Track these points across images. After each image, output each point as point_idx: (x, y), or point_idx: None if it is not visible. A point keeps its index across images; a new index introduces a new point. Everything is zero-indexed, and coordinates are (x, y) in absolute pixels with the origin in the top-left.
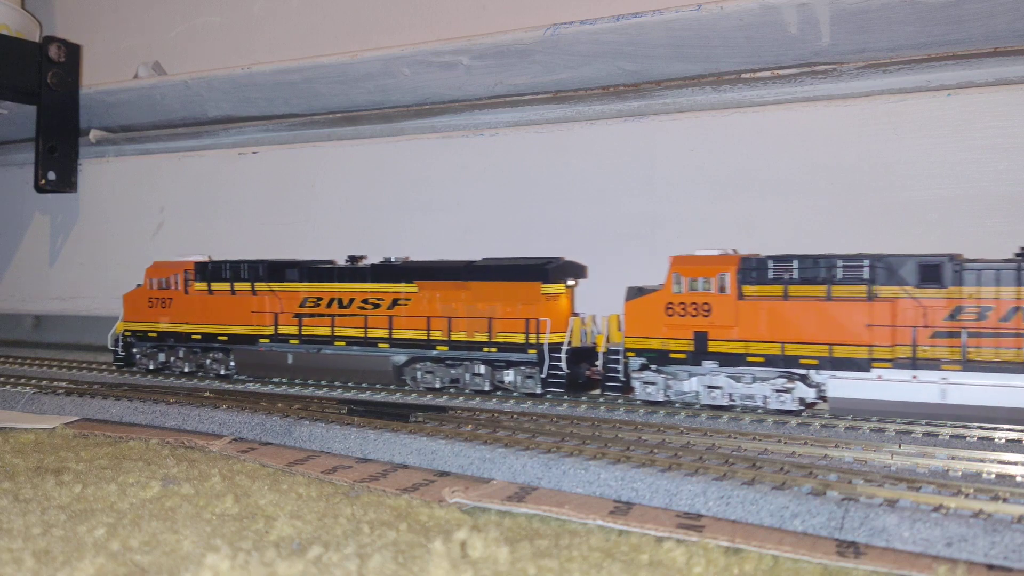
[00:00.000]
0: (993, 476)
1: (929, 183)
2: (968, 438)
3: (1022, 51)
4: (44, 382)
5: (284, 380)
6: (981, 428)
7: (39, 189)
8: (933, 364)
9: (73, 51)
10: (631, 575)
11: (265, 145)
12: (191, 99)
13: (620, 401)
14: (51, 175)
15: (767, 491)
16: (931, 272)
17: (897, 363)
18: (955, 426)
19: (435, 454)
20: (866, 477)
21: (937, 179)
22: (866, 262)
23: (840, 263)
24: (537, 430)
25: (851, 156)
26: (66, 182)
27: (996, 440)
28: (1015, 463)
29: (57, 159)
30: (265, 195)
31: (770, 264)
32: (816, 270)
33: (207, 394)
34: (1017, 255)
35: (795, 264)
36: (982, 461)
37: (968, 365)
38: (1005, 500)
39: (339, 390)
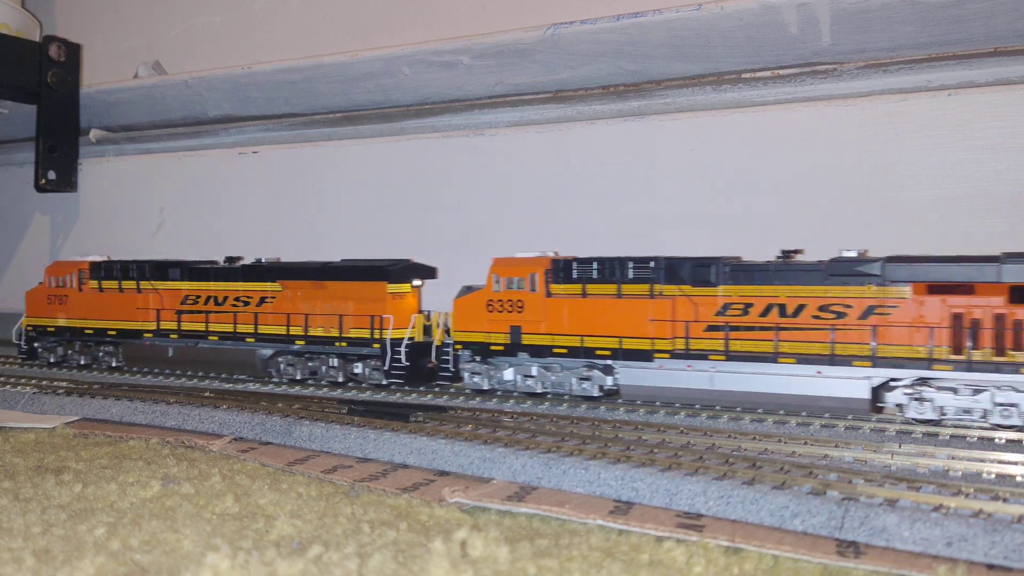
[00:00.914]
0: (993, 476)
1: (929, 183)
2: (968, 438)
3: (1022, 51)
4: (44, 382)
5: (283, 379)
6: (981, 428)
7: (39, 189)
8: (703, 355)
9: (73, 50)
10: (631, 575)
11: (265, 145)
12: (191, 99)
13: (619, 401)
14: (51, 175)
15: (767, 491)
16: (703, 273)
17: (674, 354)
18: (955, 426)
19: (435, 454)
20: (866, 477)
21: (937, 179)
22: (651, 263)
23: (631, 264)
24: (537, 430)
25: (851, 156)
26: (66, 182)
27: (996, 440)
28: (1015, 463)
29: (57, 158)
30: (265, 195)
31: (574, 265)
32: (612, 270)
33: (207, 394)
34: (778, 257)
35: (594, 265)
36: (982, 461)
37: (731, 355)
38: (1005, 500)
39: (338, 390)
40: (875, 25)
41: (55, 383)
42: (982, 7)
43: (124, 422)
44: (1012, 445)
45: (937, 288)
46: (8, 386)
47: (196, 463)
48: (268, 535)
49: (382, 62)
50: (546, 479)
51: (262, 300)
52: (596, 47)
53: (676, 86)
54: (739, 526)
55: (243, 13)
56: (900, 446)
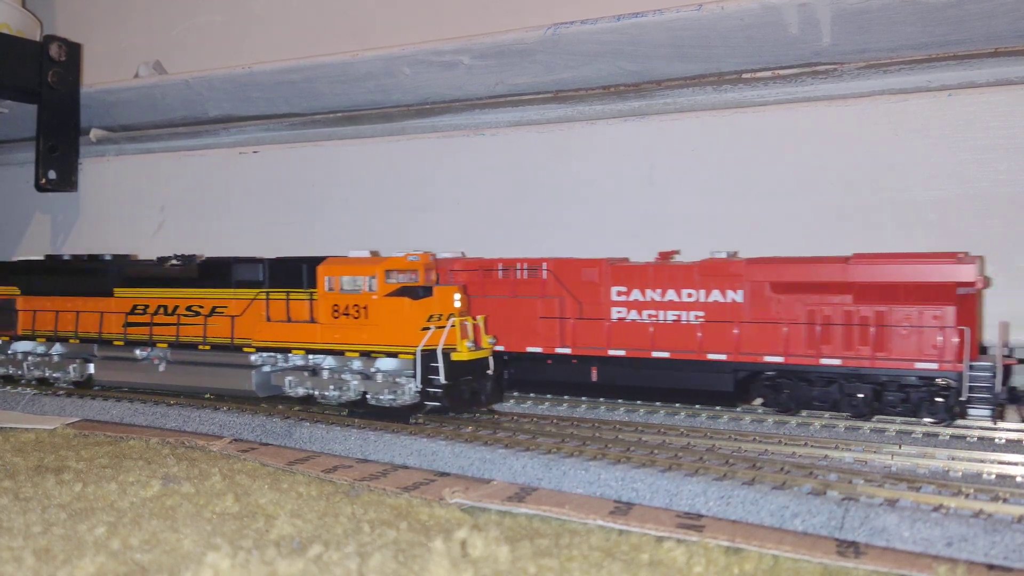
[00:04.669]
0: (993, 476)
1: (929, 183)
2: (968, 438)
3: (1023, 51)
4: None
5: None
6: (981, 429)
7: (40, 188)
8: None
9: (74, 50)
10: (631, 574)
11: (266, 144)
12: (192, 98)
13: (620, 401)
14: (52, 174)
15: (767, 491)
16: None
17: None
18: (955, 426)
19: (435, 455)
20: (866, 477)
21: (937, 179)
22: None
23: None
24: (538, 431)
25: (851, 156)
26: (67, 181)
27: (996, 440)
28: (1015, 463)
29: (58, 158)
30: (265, 194)
31: None
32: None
33: (207, 396)
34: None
35: None
36: (982, 461)
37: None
38: (1005, 500)
39: None
40: (876, 25)
41: (56, 384)
42: (983, 8)
43: (124, 423)
44: (1012, 445)
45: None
46: (9, 387)
47: (196, 463)
48: (268, 534)
49: (382, 62)
50: (546, 480)
51: None
52: (596, 47)
53: (676, 86)
54: (739, 526)
55: (243, 13)
56: (900, 446)
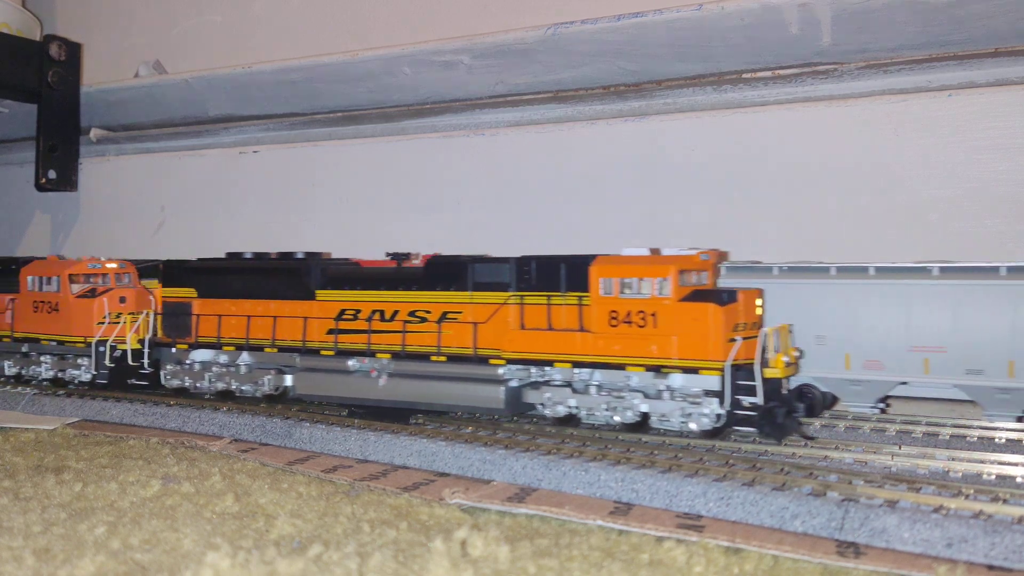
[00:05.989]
0: (993, 477)
1: (929, 183)
2: (968, 438)
3: (1023, 51)
4: (45, 383)
5: None
6: (981, 428)
7: (40, 188)
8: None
9: (74, 50)
10: (631, 574)
11: (266, 144)
12: (192, 98)
13: None
14: (52, 174)
15: (767, 492)
16: None
17: None
18: (955, 425)
19: (435, 456)
20: (866, 478)
21: (937, 179)
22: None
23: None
24: (538, 432)
25: (851, 156)
26: (67, 181)
27: (996, 440)
28: (1015, 464)
29: (58, 158)
30: (266, 194)
31: None
32: None
33: (207, 396)
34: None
35: None
36: (982, 462)
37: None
38: (1005, 501)
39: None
40: (876, 25)
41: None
42: (983, 8)
43: (124, 423)
44: (1012, 445)
45: None
46: (9, 387)
47: (196, 462)
48: (268, 534)
49: (382, 62)
50: (546, 481)
51: None
52: (597, 47)
53: (676, 86)
54: (739, 527)
55: (244, 12)
56: (900, 447)
